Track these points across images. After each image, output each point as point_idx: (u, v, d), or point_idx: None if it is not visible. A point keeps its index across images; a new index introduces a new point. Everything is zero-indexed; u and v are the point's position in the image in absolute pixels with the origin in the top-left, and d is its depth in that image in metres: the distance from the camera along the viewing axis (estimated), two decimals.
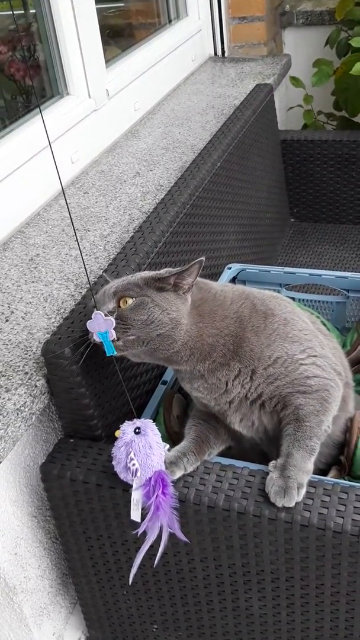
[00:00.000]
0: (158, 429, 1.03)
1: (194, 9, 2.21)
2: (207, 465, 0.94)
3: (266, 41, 2.25)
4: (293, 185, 1.99)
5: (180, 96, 1.99)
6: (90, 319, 0.87)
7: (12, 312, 1.11)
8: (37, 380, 0.97)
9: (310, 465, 0.89)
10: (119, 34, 2.46)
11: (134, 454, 0.85)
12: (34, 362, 0.99)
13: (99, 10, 2.65)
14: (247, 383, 0.94)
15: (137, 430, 0.87)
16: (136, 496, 0.86)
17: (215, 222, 1.49)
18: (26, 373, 0.98)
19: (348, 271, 1.74)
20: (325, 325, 1.34)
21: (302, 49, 2.36)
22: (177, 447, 0.96)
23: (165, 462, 0.90)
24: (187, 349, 0.92)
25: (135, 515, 0.86)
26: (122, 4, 2.49)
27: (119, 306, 0.89)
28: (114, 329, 0.87)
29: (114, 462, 0.87)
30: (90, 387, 0.98)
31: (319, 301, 1.39)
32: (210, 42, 2.30)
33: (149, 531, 0.85)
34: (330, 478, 0.94)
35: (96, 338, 0.88)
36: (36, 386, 0.96)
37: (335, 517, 0.84)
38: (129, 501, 0.92)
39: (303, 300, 1.38)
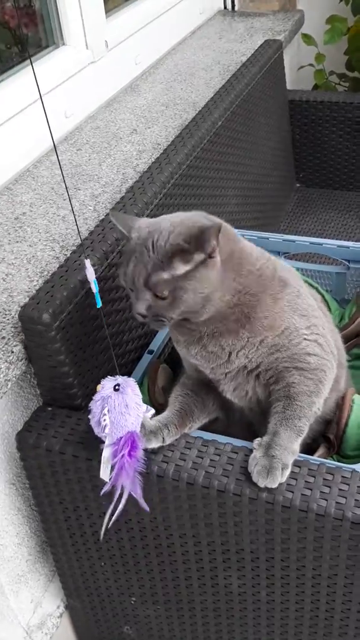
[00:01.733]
0: (142, 399, 0.99)
1: None
2: (189, 440, 0.90)
3: None
4: (300, 149, 1.91)
5: (185, 50, 1.90)
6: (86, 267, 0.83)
7: None
8: (14, 346, 0.92)
9: (296, 446, 0.85)
10: None
11: (108, 410, 0.82)
12: (12, 327, 0.95)
13: None
14: (252, 353, 0.89)
15: (116, 387, 0.84)
16: (105, 454, 0.83)
17: (214, 185, 1.42)
18: (3, 338, 0.93)
19: (352, 240, 1.69)
20: (324, 297, 1.28)
21: (317, 4, 2.25)
22: (159, 417, 0.92)
23: (144, 428, 0.86)
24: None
25: (103, 473, 0.83)
26: None
27: (156, 296, 0.82)
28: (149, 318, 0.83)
29: (89, 416, 0.84)
30: (70, 355, 0.93)
31: (318, 271, 1.33)
32: None
33: (115, 492, 0.82)
34: (316, 457, 0.90)
35: (93, 288, 0.84)
36: (12, 352, 0.92)
37: (319, 499, 0.80)
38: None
39: (302, 269, 1.32)
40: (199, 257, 0.81)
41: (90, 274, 0.84)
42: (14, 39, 1.61)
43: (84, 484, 0.94)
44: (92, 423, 0.85)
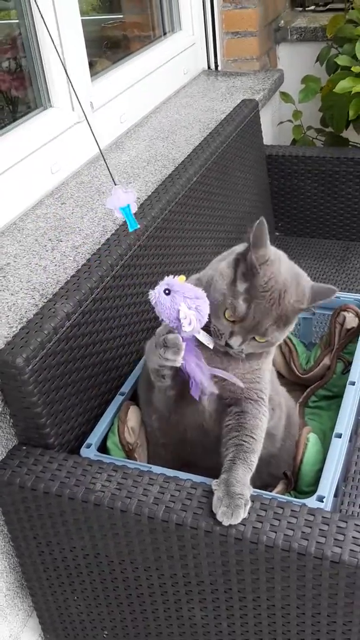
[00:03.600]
0: (112, 439, 1.06)
1: (187, 23, 2.24)
2: (152, 477, 0.96)
3: (259, 56, 2.28)
4: (278, 200, 2.01)
5: (169, 109, 2.02)
6: (110, 195, 0.90)
7: None
8: None
9: (249, 480, 0.91)
10: (117, 45, 2.50)
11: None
12: None
13: (98, 22, 2.70)
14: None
15: (166, 292, 0.90)
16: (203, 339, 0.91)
17: (190, 236, 1.51)
18: None
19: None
20: (292, 340, 1.36)
21: (296, 64, 2.38)
22: None
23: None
24: None
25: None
26: (122, 16, 2.54)
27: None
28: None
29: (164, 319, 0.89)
30: (42, 397, 1.00)
31: None
32: (204, 56, 2.33)
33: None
34: (271, 493, 0.95)
35: (118, 214, 0.89)
36: None
37: (269, 531, 0.86)
38: (75, 509, 0.95)
39: None
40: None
41: (123, 200, 0.89)
42: (5, 101, 1.73)
43: (55, 520, 1.00)
44: (171, 321, 0.89)
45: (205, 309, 0.89)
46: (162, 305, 0.88)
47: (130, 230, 0.90)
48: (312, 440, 1.05)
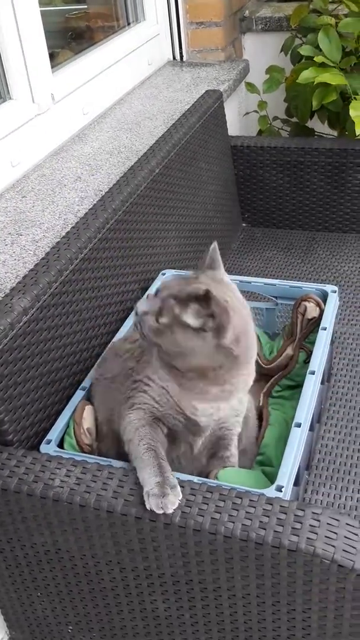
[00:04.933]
0: (68, 441, 1.05)
1: (151, 13, 2.22)
2: (111, 471, 0.96)
3: (224, 46, 2.27)
4: (244, 191, 2.01)
5: (134, 100, 2.00)
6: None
7: None
8: None
9: None
10: (81, 36, 2.47)
11: None
12: None
13: (62, 12, 2.66)
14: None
15: None
16: None
17: (152, 228, 1.50)
18: None
19: (294, 277, 1.78)
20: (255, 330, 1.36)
21: (261, 54, 2.38)
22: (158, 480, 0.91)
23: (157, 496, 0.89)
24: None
25: None
26: (86, 6, 2.51)
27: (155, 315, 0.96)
28: None
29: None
30: (0, 392, 0.99)
31: (251, 307, 1.41)
32: (169, 46, 2.31)
33: None
34: (230, 484, 0.95)
35: None
36: None
37: (227, 522, 0.86)
38: (34, 506, 0.95)
39: None
40: (202, 323, 0.92)
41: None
42: None
43: (14, 516, 0.99)
44: None
45: None
46: None
47: None
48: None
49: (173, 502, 0.88)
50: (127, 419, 1.01)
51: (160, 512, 0.87)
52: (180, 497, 0.89)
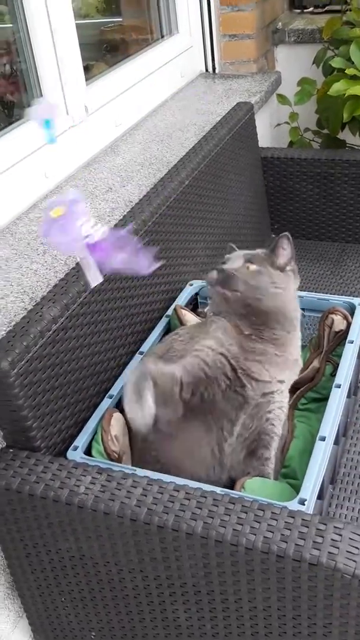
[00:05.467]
0: (96, 448, 1.06)
1: (185, 25, 2.25)
2: (135, 479, 0.97)
3: (256, 58, 2.29)
4: (274, 202, 2.02)
5: (166, 112, 2.03)
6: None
7: None
8: None
9: None
10: (116, 49, 2.51)
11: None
12: None
13: (97, 25, 2.71)
14: None
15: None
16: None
17: (181, 239, 1.52)
18: None
19: (322, 289, 1.77)
20: None
21: (294, 66, 2.38)
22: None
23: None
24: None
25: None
26: (121, 19, 2.55)
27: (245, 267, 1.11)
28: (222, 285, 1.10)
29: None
30: (29, 400, 1.01)
31: None
32: (202, 59, 2.34)
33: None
34: (252, 496, 0.95)
35: (40, 127, 0.86)
36: None
37: (249, 534, 0.87)
38: (59, 512, 0.97)
39: None
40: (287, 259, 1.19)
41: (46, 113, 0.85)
42: (1, 106, 1.75)
43: (40, 522, 1.01)
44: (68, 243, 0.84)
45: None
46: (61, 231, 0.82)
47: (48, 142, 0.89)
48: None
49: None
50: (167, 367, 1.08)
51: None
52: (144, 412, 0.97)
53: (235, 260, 1.14)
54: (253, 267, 1.11)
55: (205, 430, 1.05)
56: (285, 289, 1.13)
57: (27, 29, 1.53)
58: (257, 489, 1.01)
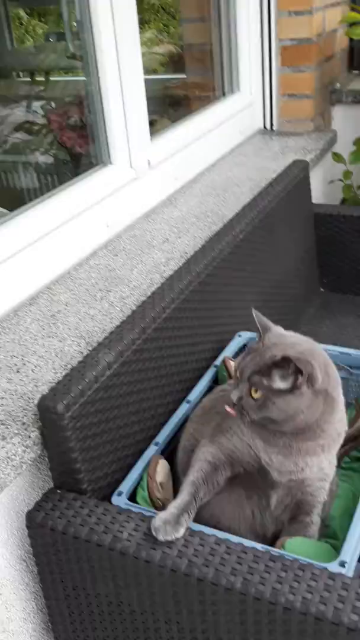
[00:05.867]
0: (141, 494, 1.09)
1: (246, 84, 2.34)
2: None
3: (313, 117, 2.35)
4: (325, 257, 2.04)
5: (223, 167, 2.09)
6: None
7: (24, 364, 1.20)
8: (32, 432, 1.05)
9: None
10: (178, 104, 2.62)
11: None
12: (32, 414, 1.07)
13: (163, 81, 2.84)
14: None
15: None
16: None
17: (231, 290, 1.56)
18: (24, 424, 1.06)
19: None
20: None
21: (350, 125, 2.44)
22: (176, 503, 1.01)
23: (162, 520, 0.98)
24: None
25: None
26: (185, 76, 2.67)
27: (250, 395, 1.01)
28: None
29: None
30: (79, 443, 1.05)
31: None
32: (261, 116, 2.42)
33: None
34: (292, 555, 0.96)
35: None
36: (30, 437, 1.04)
37: (288, 593, 0.87)
38: (102, 556, 0.99)
39: None
40: (292, 381, 0.99)
41: None
42: (70, 156, 1.85)
43: (82, 565, 1.03)
44: None
45: None
46: None
47: None
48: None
49: (168, 532, 0.96)
50: (202, 449, 1.10)
51: (153, 533, 0.95)
52: (179, 535, 0.96)
53: (243, 386, 1.03)
54: (257, 395, 1.00)
55: (245, 496, 1.07)
56: (294, 407, 1.00)
57: (98, 83, 1.61)
58: (297, 548, 1.01)
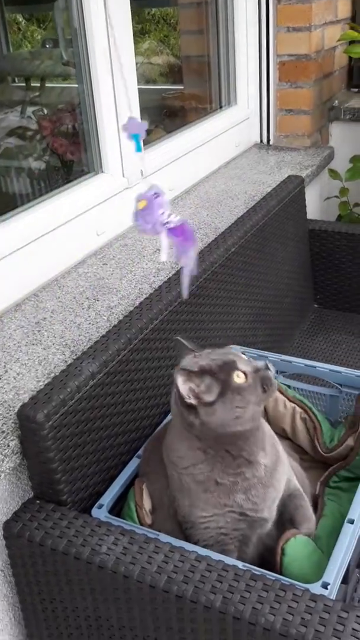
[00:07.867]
0: (130, 516, 1.06)
1: (243, 98, 2.34)
2: (158, 545, 0.96)
3: (310, 133, 2.35)
4: (319, 273, 2.03)
5: (218, 179, 2.09)
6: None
7: (6, 372, 1.18)
8: (11, 440, 1.02)
9: None
10: (175, 115, 2.62)
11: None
12: (12, 422, 1.05)
13: (159, 91, 2.84)
14: None
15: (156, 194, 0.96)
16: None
17: (223, 304, 1.54)
18: (3, 432, 1.03)
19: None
20: (317, 417, 1.35)
21: (348, 142, 2.44)
22: None
23: None
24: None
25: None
26: (182, 87, 2.67)
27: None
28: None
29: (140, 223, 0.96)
30: (60, 453, 1.02)
31: (314, 392, 1.40)
32: (257, 130, 2.41)
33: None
34: (275, 575, 0.93)
35: (128, 139, 0.96)
36: (8, 446, 1.01)
37: (268, 614, 0.85)
38: (80, 569, 0.96)
39: (299, 389, 1.40)
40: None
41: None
42: (61, 163, 1.84)
43: (59, 577, 1.00)
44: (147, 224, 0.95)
45: None
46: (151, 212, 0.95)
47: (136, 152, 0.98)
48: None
49: None
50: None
51: None
52: None
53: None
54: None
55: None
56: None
57: (91, 91, 1.61)
58: (299, 551, 0.99)
